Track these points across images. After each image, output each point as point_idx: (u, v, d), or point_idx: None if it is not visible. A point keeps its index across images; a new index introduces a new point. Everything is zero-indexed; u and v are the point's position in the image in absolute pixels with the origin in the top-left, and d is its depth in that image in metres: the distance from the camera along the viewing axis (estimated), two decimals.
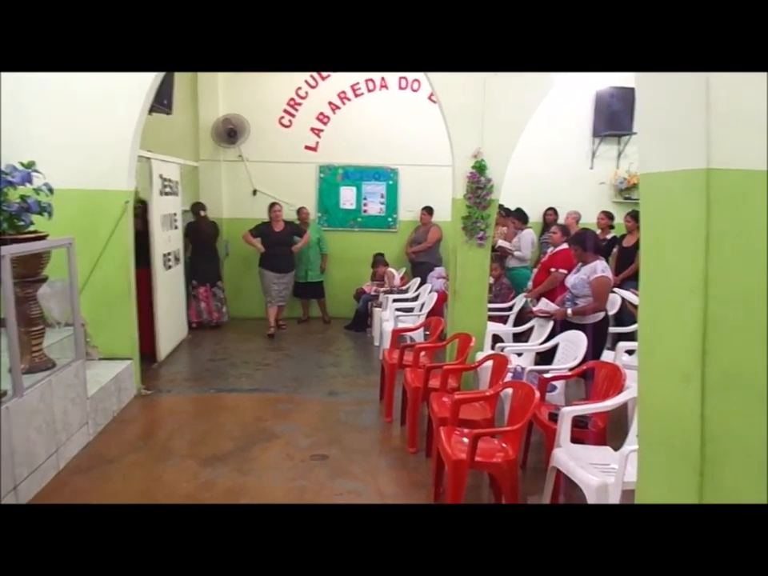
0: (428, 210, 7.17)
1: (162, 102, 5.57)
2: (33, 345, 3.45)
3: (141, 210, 5.32)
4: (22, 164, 3.33)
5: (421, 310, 5.74)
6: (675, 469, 1.58)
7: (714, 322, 1.47)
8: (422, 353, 4.24)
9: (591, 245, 4.01)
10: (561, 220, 6.82)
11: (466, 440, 2.76)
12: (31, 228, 3.39)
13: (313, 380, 5.12)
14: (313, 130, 7.35)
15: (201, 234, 6.60)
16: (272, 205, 6.54)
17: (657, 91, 1.63)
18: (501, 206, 6.49)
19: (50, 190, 3.41)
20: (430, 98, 7.01)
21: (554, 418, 3.06)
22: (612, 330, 4.46)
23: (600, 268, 3.93)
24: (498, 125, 4.47)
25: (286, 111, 7.30)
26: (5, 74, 3.86)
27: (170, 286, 5.80)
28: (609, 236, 6.21)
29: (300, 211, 7.13)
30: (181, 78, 6.45)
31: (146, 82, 4.24)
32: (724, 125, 1.43)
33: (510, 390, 3.27)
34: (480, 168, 4.50)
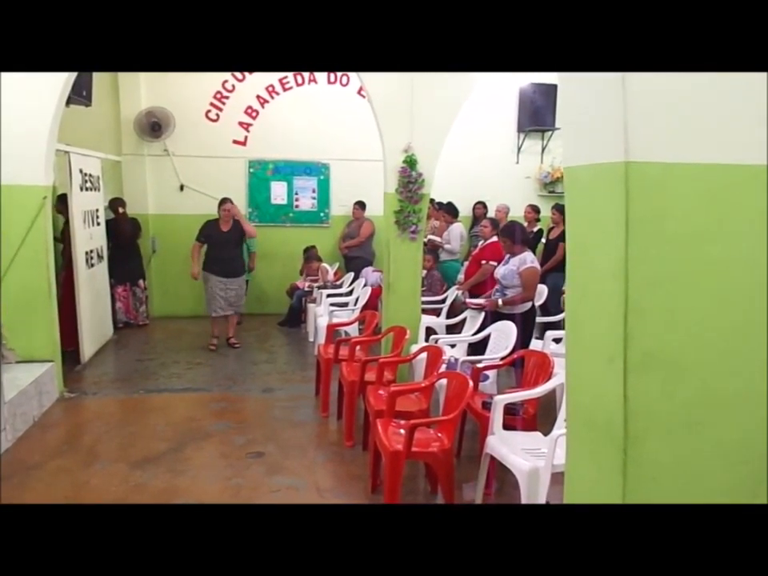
0: (360, 205, 7.19)
1: (80, 93, 5.31)
2: None
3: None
4: None
5: (355, 305, 5.76)
6: (600, 448, 1.67)
7: (634, 305, 1.56)
8: (358, 347, 4.26)
9: (520, 237, 4.16)
10: (490, 213, 7.02)
11: (402, 431, 2.81)
12: None
13: (247, 377, 5.04)
14: (241, 124, 7.21)
15: (118, 231, 6.31)
16: (222, 201, 5.74)
17: (577, 87, 1.72)
18: (432, 200, 6.63)
19: None
20: (359, 93, 7.02)
21: (487, 406, 3.16)
22: (539, 319, 4.65)
23: (529, 259, 4.08)
24: (426, 120, 4.55)
25: (212, 105, 7.12)
26: None
27: (93, 284, 5.55)
28: (535, 228, 6.45)
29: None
30: None
31: (62, 73, 4.02)
32: (640, 119, 1.52)
33: (444, 381, 3.35)
34: (411, 163, 4.57)
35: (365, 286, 6.03)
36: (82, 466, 3.41)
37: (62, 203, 5.36)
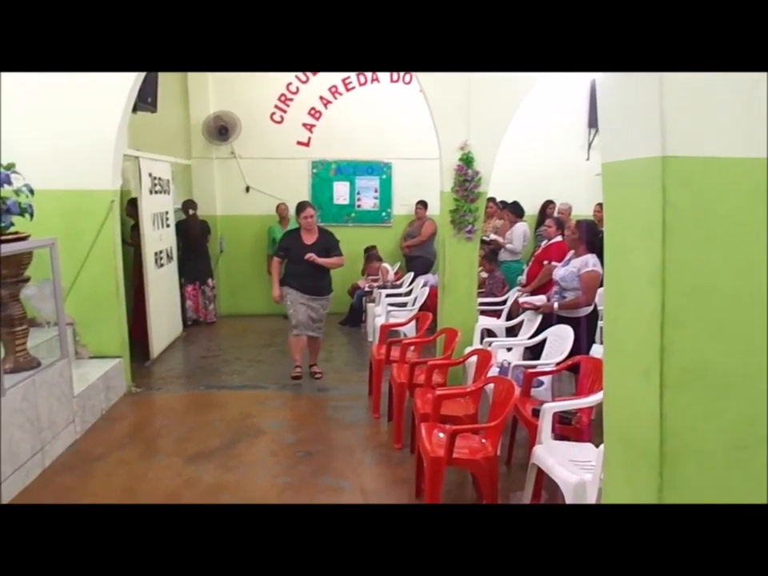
0: (422, 204, 7.13)
1: (145, 100, 5.55)
2: (17, 345, 3.45)
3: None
4: (1, 166, 3.32)
5: (414, 305, 5.71)
6: (635, 467, 1.54)
7: (671, 315, 1.43)
8: (411, 348, 4.21)
9: (585, 236, 3.96)
10: (556, 213, 6.77)
11: (441, 435, 2.74)
12: (12, 229, 3.39)
13: (304, 376, 5.10)
14: (305, 125, 7.32)
15: (188, 232, 6.57)
16: (301, 207, 4.81)
17: (614, 82, 1.59)
18: (493, 199, 6.47)
19: (31, 191, 3.40)
20: (421, 91, 6.93)
21: (537, 413, 3.03)
22: (602, 323, 4.41)
23: (591, 262, 3.88)
24: (484, 117, 4.43)
25: (276, 107, 7.27)
26: None
27: (162, 284, 5.80)
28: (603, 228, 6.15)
29: (278, 207, 7.10)
30: (169, 76, 6.44)
31: (127, 80, 4.22)
32: (679, 111, 1.39)
33: (492, 386, 3.24)
34: (467, 160, 4.46)
35: (424, 286, 5.96)
36: (141, 459, 3.56)
37: (131, 207, 5.63)
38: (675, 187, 1.41)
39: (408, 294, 6.22)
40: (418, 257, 6.96)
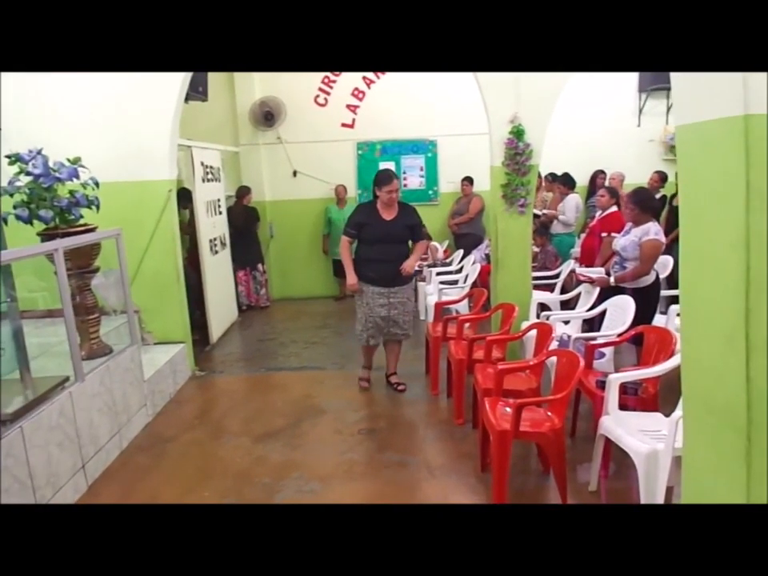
0: (469, 180, 7.06)
1: (197, 89, 5.65)
2: (90, 332, 3.63)
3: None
4: (69, 160, 3.46)
5: (465, 282, 5.69)
6: (720, 434, 1.52)
7: (756, 278, 1.39)
8: (466, 325, 4.21)
9: (648, 205, 3.85)
10: (608, 182, 6.60)
11: (509, 410, 2.74)
12: (81, 221, 3.54)
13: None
14: (348, 106, 7.32)
15: (236, 219, 6.70)
16: (385, 179, 3.92)
17: None
18: (539, 174, 6.34)
19: (96, 184, 3.54)
20: None
21: (601, 385, 2.99)
22: (664, 293, 4.30)
23: (653, 230, 3.76)
24: (533, 88, 4.33)
25: (320, 90, 7.29)
26: (34, 74, 4.00)
27: (217, 270, 5.95)
28: (658, 195, 5.96)
29: (336, 189, 7.15)
30: None
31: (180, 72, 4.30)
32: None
33: (554, 359, 3.22)
34: (517, 133, 4.38)
35: (474, 263, 5.93)
36: (211, 439, 3.70)
37: (181, 197, 5.76)
38: (760, 147, 1.36)
39: (458, 271, 6.20)
40: (467, 234, 6.91)
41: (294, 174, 7.40)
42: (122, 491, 3.11)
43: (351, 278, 4.01)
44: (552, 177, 6.62)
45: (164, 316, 4.63)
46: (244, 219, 6.78)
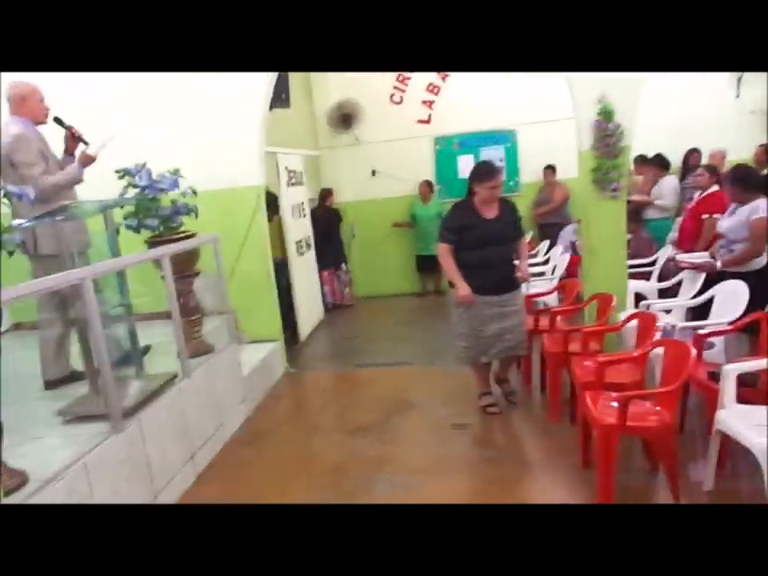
0: (551, 169, 6.87)
1: (279, 97, 5.81)
2: (194, 332, 3.81)
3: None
4: (169, 171, 3.66)
5: (553, 273, 5.53)
6: None
7: None
8: (559, 317, 4.09)
9: (754, 182, 3.58)
10: (704, 161, 6.20)
11: (614, 404, 2.63)
12: (182, 228, 3.74)
13: (447, 351, 5.12)
14: (424, 102, 7.30)
15: (319, 221, 6.83)
16: (487, 174, 3.46)
17: None
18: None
19: (194, 192, 3.72)
20: None
21: (714, 377, 2.81)
22: None
23: (763, 207, 3.49)
24: None
25: (395, 88, 7.31)
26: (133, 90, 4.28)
27: (304, 271, 6.10)
28: (764, 171, 5.54)
29: (420, 186, 7.15)
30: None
31: (265, 79, 4.45)
32: None
33: (659, 350, 3.05)
34: (606, 114, 4.19)
35: (562, 253, 5.74)
36: (306, 434, 3.80)
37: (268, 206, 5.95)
38: None
39: (545, 263, 6.03)
40: (553, 224, 6.72)
41: (373, 173, 7.47)
42: (227, 482, 3.25)
43: (463, 287, 3.45)
44: (642, 159, 6.30)
45: (257, 316, 4.81)
46: (327, 221, 6.92)
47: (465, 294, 3.47)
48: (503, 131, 7.25)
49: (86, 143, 3.44)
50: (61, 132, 3.44)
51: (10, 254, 2.12)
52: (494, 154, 7.31)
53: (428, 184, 7.18)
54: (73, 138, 3.45)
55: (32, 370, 3.63)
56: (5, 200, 2.10)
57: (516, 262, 3.64)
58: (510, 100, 7.03)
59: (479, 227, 3.47)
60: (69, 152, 3.48)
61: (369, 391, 4.44)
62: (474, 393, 3.95)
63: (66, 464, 2.31)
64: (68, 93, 3.93)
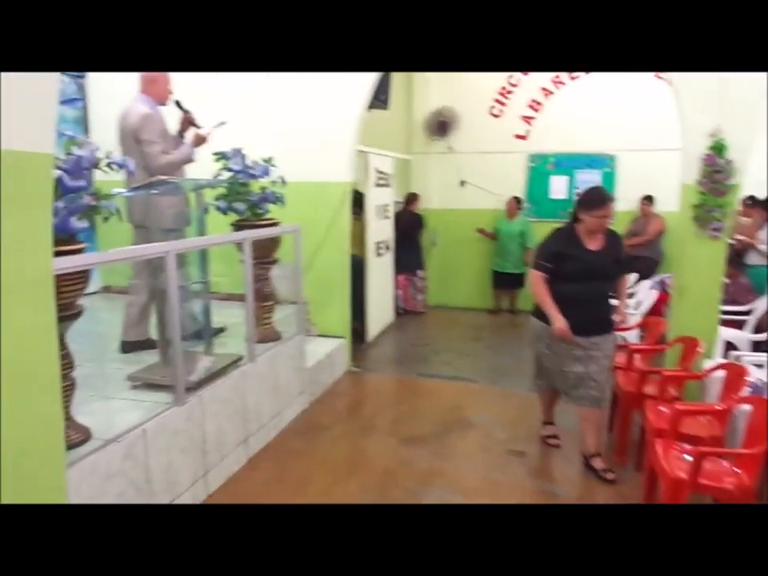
0: (649, 199, 6.54)
1: (379, 98, 5.85)
2: (264, 318, 3.90)
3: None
4: (263, 159, 3.76)
5: (637, 309, 5.25)
6: None
7: None
8: (637, 355, 3.86)
9: None
10: None
11: (688, 458, 2.44)
12: (267, 216, 3.83)
13: (513, 373, 4.99)
14: (523, 118, 7.14)
15: (402, 224, 6.81)
16: (600, 201, 3.09)
17: None
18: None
19: (284, 182, 3.81)
20: (657, 75, 6.35)
21: None
22: None
23: None
24: (740, 96, 3.83)
25: (496, 101, 7.20)
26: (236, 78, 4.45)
27: (380, 272, 6.11)
28: None
29: (508, 201, 7.01)
30: (397, 74, 6.72)
31: (366, 80, 4.50)
32: None
33: (746, 407, 2.81)
34: (718, 148, 3.92)
35: (650, 288, 5.44)
36: (361, 434, 3.78)
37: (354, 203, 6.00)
38: None
39: (630, 296, 5.73)
40: (643, 257, 6.37)
41: (462, 183, 7.39)
42: (277, 470, 3.29)
43: (559, 320, 3.10)
44: (752, 200, 5.87)
45: (328, 310, 4.86)
46: (409, 225, 6.91)
47: (561, 327, 3.10)
48: (602, 155, 6.98)
49: (198, 127, 3.62)
50: (175, 114, 3.64)
51: (105, 219, 2.23)
52: (589, 177, 7.05)
53: (516, 200, 7.02)
54: (186, 122, 3.64)
55: (113, 331, 3.84)
56: (107, 168, 2.21)
57: (614, 302, 3.34)
58: (613, 123, 6.76)
59: (580, 259, 3.12)
60: (180, 133, 3.68)
61: (428, 402, 4.38)
62: (536, 420, 3.80)
63: (127, 428, 2.41)
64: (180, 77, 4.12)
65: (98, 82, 5.44)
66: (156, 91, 3.57)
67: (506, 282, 7.12)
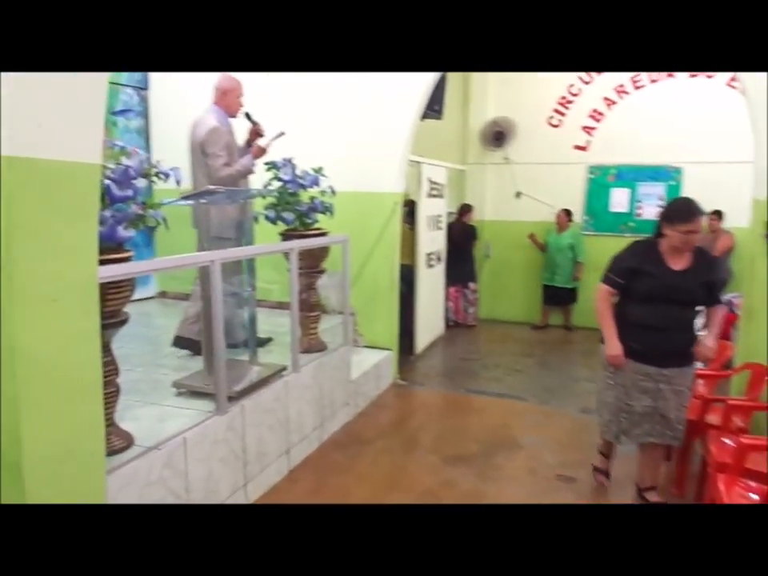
0: (717, 215, 6.18)
1: (433, 107, 5.80)
2: (310, 328, 3.90)
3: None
4: (313, 169, 3.77)
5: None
6: None
7: None
8: (700, 381, 3.62)
9: None
10: None
11: (754, 496, 2.24)
12: (316, 225, 3.83)
13: (567, 393, 4.80)
14: (584, 128, 6.92)
15: (454, 236, 6.71)
16: (688, 214, 2.69)
17: None
18: None
19: (333, 192, 3.80)
20: (729, 84, 6.04)
21: None
22: None
23: None
24: None
25: (555, 111, 7.01)
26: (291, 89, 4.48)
27: (430, 283, 6.03)
28: None
29: (558, 214, 6.81)
30: (453, 84, 6.65)
31: (420, 89, 4.45)
32: None
33: None
34: None
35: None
36: (403, 451, 3.71)
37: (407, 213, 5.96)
38: None
39: None
40: None
41: (518, 195, 7.23)
42: (316, 482, 3.26)
43: (613, 346, 2.82)
44: None
45: (376, 321, 4.82)
46: (462, 236, 6.81)
47: (614, 355, 2.82)
48: (667, 167, 6.67)
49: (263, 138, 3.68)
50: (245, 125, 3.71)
51: (153, 228, 2.27)
52: (653, 190, 6.76)
53: (566, 213, 6.81)
54: (255, 133, 3.70)
55: (165, 337, 3.92)
56: (156, 178, 2.25)
57: (700, 333, 2.92)
58: (679, 134, 6.46)
59: (659, 278, 2.73)
60: (249, 144, 3.74)
61: (475, 419, 4.26)
62: (589, 445, 3.63)
63: (168, 435, 2.43)
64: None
65: (159, 94, 5.62)
66: (226, 103, 3.65)
67: (556, 296, 6.90)
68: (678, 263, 2.77)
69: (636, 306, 2.80)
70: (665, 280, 2.73)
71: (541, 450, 3.74)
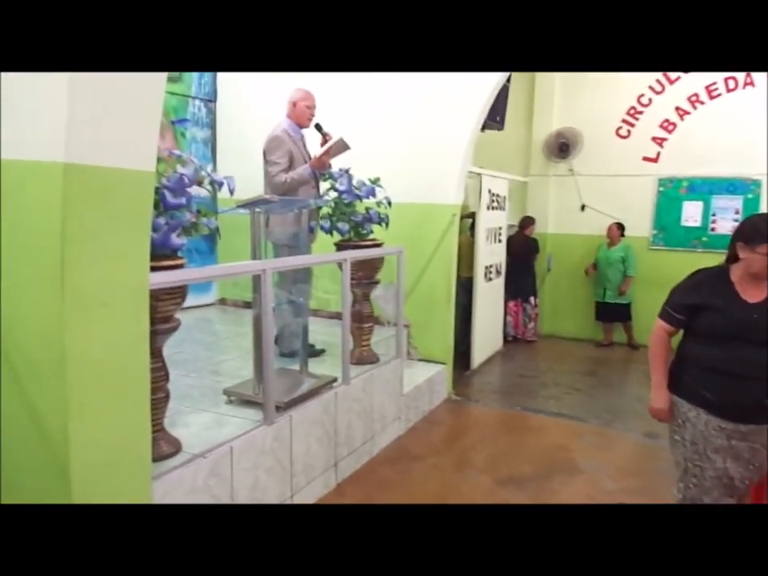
0: None
1: (494, 118, 5.69)
2: (362, 339, 3.86)
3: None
4: (370, 180, 3.75)
5: None
6: None
7: None
8: None
9: None
10: None
11: None
12: (371, 236, 3.81)
13: (629, 415, 4.55)
14: (654, 139, 6.61)
15: (515, 249, 6.55)
16: (764, 231, 2.10)
17: None
18: None
19: (389, 203, 3.77)
20: None
21: None
22: None
23: None
24: None
25: (624, 121, 6.74)
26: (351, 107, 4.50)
27: (488, 297, 5.89)
28: None
29: (609, 227, 6.54)
30: (516, 95, 6.52)
31: (481, 99, 4.37)
32: None
33: None
34: None
35: None
36: (454, 470, 3.60)
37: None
38: None
39: None
40: None
41: (582, 207, 6.98)
42: (364, 498, 3.19)
43: (659, 398, 2.35)
44: None
45: (431, 334, 4.74)
46: (523, 249, 6.64)
47: (658, 408, 2.36)
48: (744, 179, 6.27)
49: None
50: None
51: (205, 236, 2.29)
52: (729, 203, 6.37)
53: (619, 226, 6.52)
54: (325, 144, 3.74)
55: (222, 343, 3.98)
56: (209, 186, 2.27)
57: None
58: (759, 145, 6.06)
59: (732, 312, 2.21)
60: None
61: (531, 440, 4.09)
62: (652, 472, 3.41)
63: (215, 443, 2.43)
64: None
65: (225, 106, 5.78)
66: (295, 114, 3.78)
67: (608, 312, 6.60)
68: (755, 295, 2.22)
69: (705, 346, 2.29)
70: (737, 315, 2.21)
71: (600, 476, 3.54)
